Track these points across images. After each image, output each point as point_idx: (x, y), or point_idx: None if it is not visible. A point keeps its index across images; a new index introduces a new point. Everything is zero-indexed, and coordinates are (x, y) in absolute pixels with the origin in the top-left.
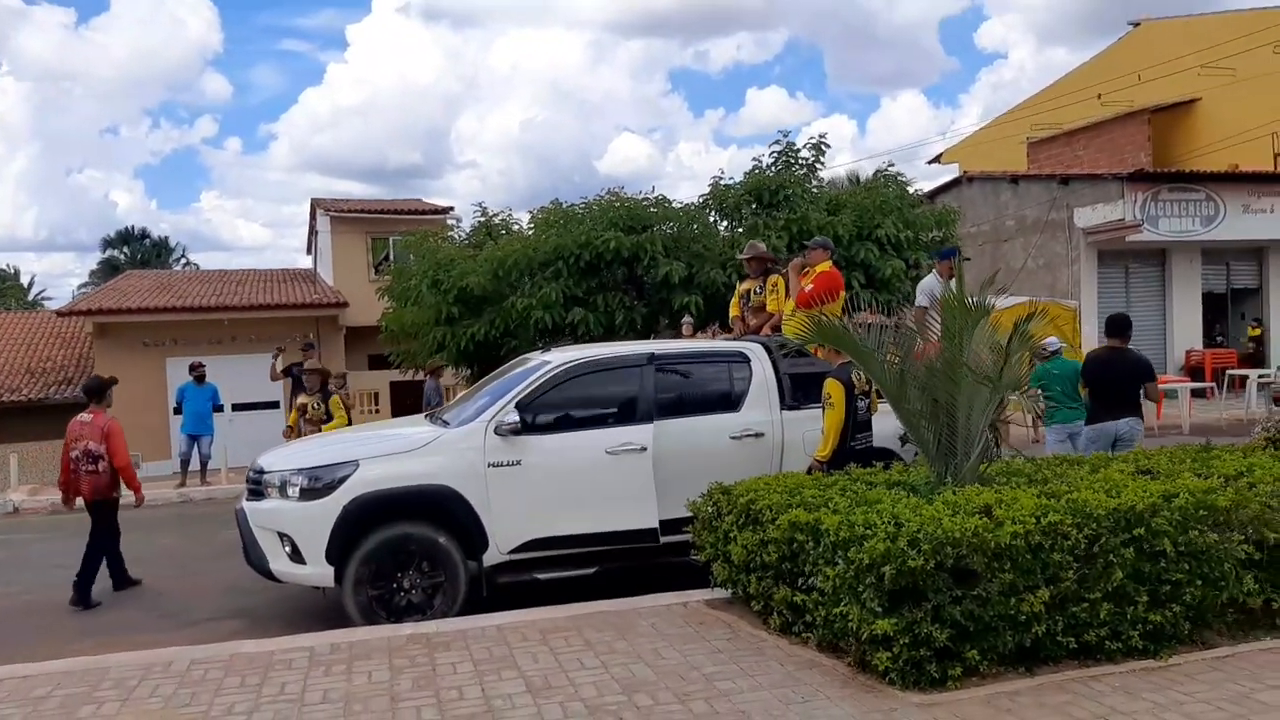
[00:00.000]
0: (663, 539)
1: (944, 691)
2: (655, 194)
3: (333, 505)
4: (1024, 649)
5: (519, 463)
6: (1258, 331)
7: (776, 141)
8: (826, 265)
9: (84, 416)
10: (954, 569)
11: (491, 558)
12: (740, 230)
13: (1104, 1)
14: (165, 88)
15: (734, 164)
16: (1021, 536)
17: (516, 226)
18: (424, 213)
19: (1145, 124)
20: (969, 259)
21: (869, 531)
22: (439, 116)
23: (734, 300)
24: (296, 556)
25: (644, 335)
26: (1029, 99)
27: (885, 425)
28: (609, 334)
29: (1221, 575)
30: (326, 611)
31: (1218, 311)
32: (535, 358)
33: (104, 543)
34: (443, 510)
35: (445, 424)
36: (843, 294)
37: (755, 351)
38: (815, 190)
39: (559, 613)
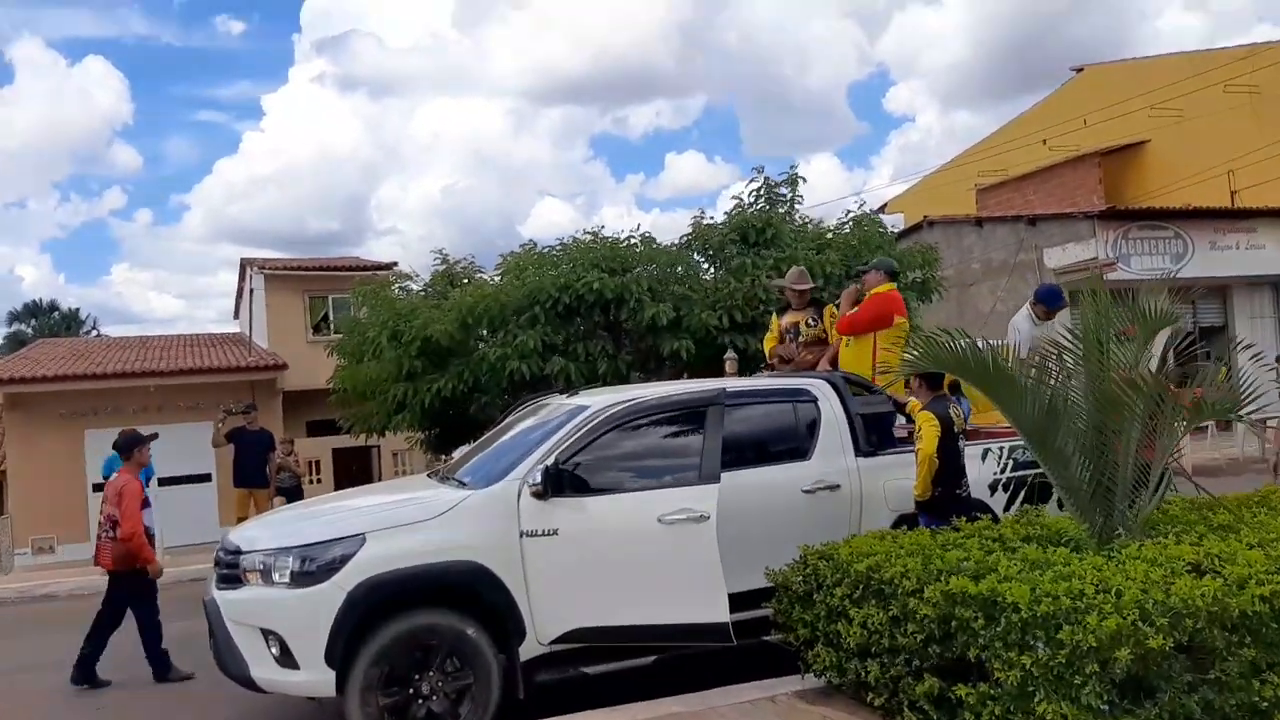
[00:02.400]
0: (733, 617)
1: None
2: (640, 232)
3: (334, 592)
4: None
5: (556, 532)
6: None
7: (754, 179)
8: (886, 287)
9: (114, 477)
10: (1189, 647)
11: (529, 650)
12: (724, 271)
13: (1002, 67)
14: (73, 160)
15: (657, 227)
16: (1267, 600)
17: (481, 275)
18: (365, 269)
19: (1096, 167)
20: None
21: (1078, 604)
22: (358, 184)
23: (770, 335)
24: (286, 659)
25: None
26: (973, 147)
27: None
28: (592, 384)
29: None
30: None
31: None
32: (563, 402)
33: (142, 616)
34: (472, 593)
35: (462, 484)
36: (902, 320)
37: (821, 389)
38: (800, 227)
39: (617, 718)
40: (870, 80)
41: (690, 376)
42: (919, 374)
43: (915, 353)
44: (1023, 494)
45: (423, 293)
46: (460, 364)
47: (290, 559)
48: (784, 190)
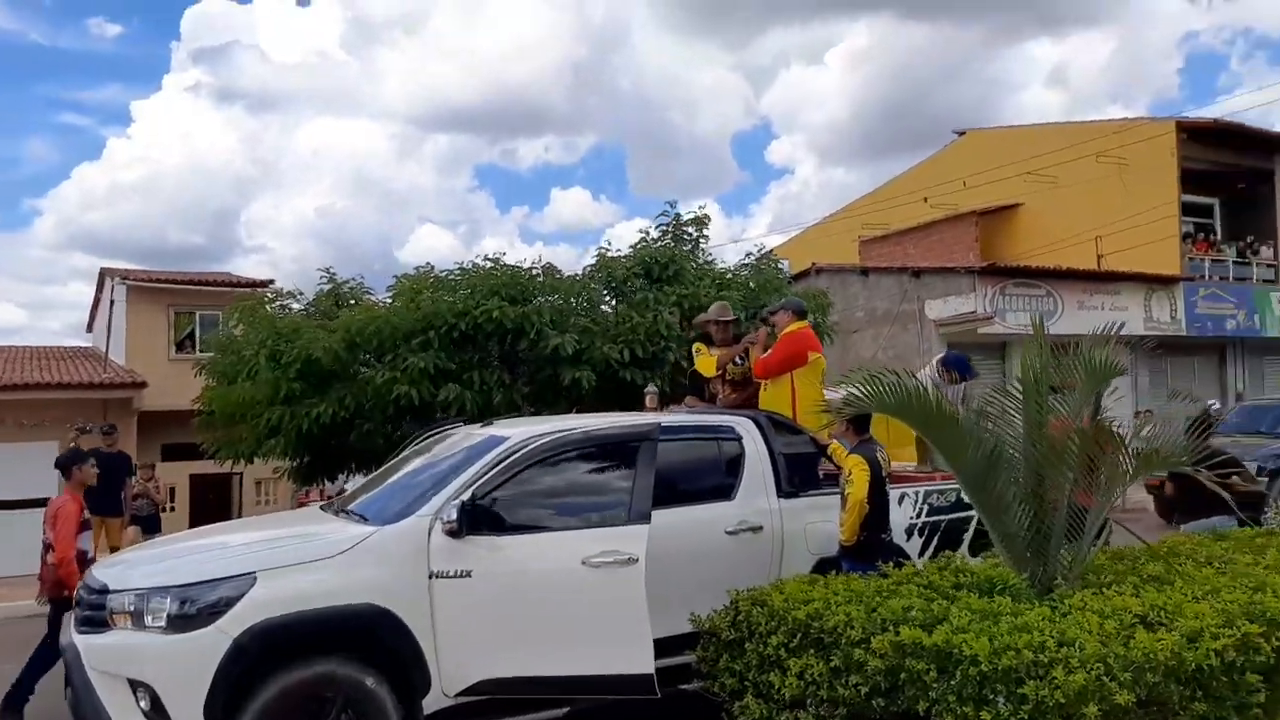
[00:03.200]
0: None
1: None
2: (542, 262)
3: (217, 638)
4: None
5: (469, 574)
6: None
7: (664, 213)
8: (795, 327)
9: (54, 498)
10: (1145, 701)
11: (434, 702)
12: (626, 305)
13: (876, 129)
14: None
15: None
16: (1218, 654)
17: (370, 296)
18: (239, 285)
19: (974, 225)
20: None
21: (1040, 657)
22: (229, 199)
23: (704, 359)
24: (157, 715)
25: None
26: (857, 201)
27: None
28: (486, 413)
29: None
30: None
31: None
32: (474, 432)
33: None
34: (373, 640)
35: (362, 519)
36: (817, 356)
37: (746, 427)
38: (704, 265)
39: None
40: (754, 132)
41: (588, 409)
42: (845, 418)
43: (858, 392)
44: (936, 539)
45: (305, 311)
46: (342, 388)
47: (167, 600)
48: (690, 230)
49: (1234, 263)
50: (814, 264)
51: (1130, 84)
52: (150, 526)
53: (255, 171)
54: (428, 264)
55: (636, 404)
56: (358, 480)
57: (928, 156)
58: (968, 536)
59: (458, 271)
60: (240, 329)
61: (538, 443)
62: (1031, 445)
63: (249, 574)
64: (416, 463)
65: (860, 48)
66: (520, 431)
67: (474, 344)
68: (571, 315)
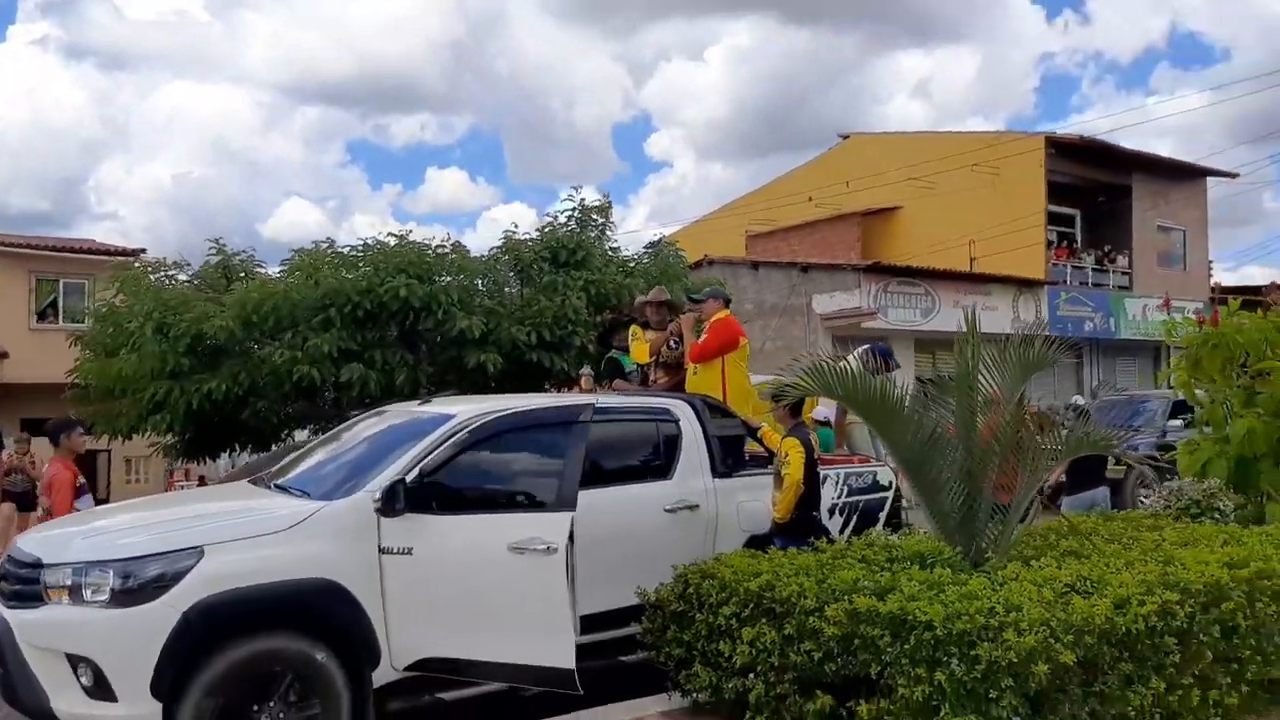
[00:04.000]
0: (586, 637)
1: None
2: (450, 240)
3: (165, 613)
4: None
5: (411, 551)
6: None
7: (569, 197)
8: (723, 314)
9: (46, 467)
10: (1081, 662)
11: (382, 675)
12: (533, 289)
13: (753, 128)
14: None
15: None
16: (1143, 619)
17: (261, 270)
18: (107, 253)
19: (856, 225)
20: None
21: (990, 622)
22: (76, 162)
23: (638, 343)
24: (100, 690)
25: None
26: (743, 197)
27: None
28: (388, 394)
29: (1274, 648)
30: None
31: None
32: (416, 409)
33: None
34: (323, 614)
35: (303, 494)
36: (744, 341)
37: (682, 409)
38: (610, 252)
39: None
40: (634, 124)
41: (494, 391)
42: (779, 401)
43: (806, 380)
44: (855, 518)
45: (190, 283)
46: (236, 364)
47: (109, 574)
48: (596, 216)
49: (1093, 270)
50: (706, 256)
51: (991, 99)
52: (25, 504)
53: (106, 134)
54: (328, 239)
55: (542, 387)
56: (243, 459)
57: (813, 157)
58: (883, 515)
59: (360, 247)
60: (120, 299)
61: (483, 420)
62: (965, 431)
63: (195, 548)
64: (351, 439)
65: (741, 47)
66: (467, 409)
67: (376, 323)
68: (478, 296)
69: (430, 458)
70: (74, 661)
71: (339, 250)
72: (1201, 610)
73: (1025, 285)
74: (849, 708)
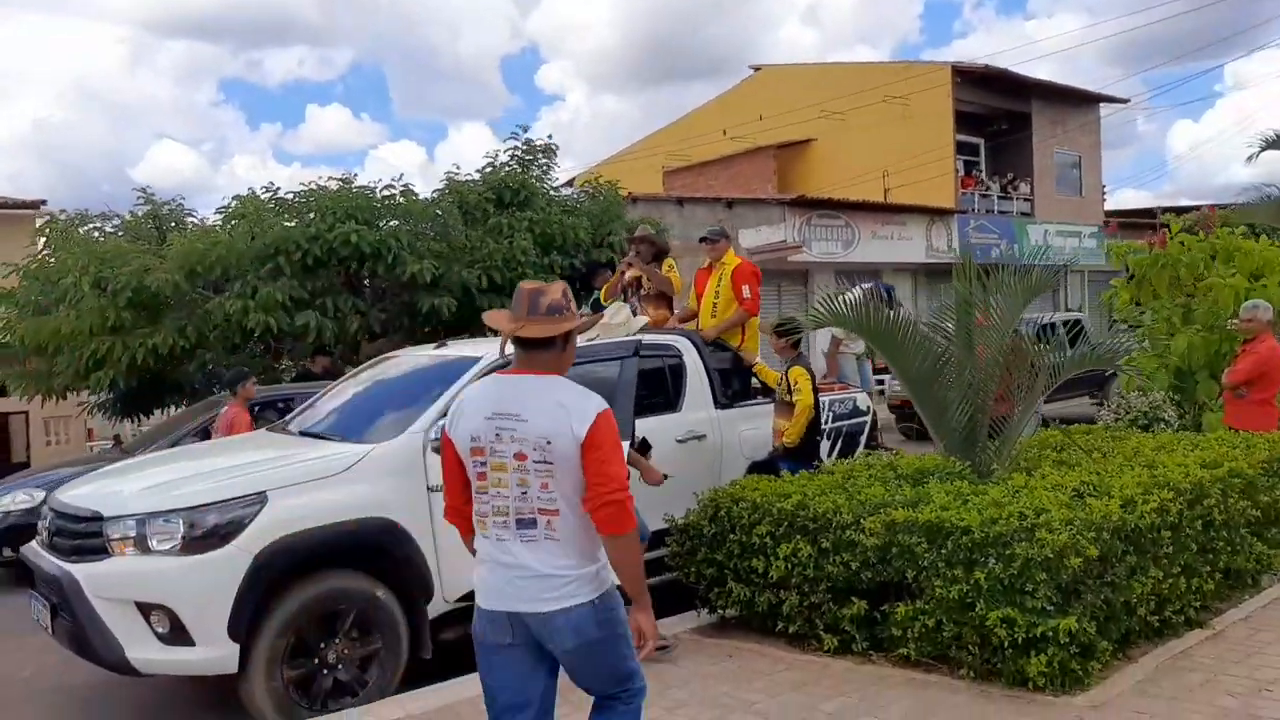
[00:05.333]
0: None
1: (1090, 689)
2: (401, 182)
3: (238, 556)
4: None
5: None
6: None
7: (513, 136)
8: (736, 259)
9: (224, 410)
10: (1100, 556)
11: (435, 608)
12: (481, 231)
13: (644, 58)
14: None
15: (294, 181)
16: (1148, 515)
17: (192, 219)
18: (3, 206)
19: (771, 159)
20: None
21: (1023, 524)
22: None
23: (607, 288)
24: (178, 636)
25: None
26: (657, 131)
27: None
28: (341, 342)
29: (1242, 540)
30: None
31: None
32: (433, 354)
33: None
34: (383, 553)
35: (341, 438)
36: None
37: (685, 345)
38: (553, 192)
39: None
40: (523, 55)
41: (447, 335)
42: (783, 335)
43: (821, 312)
44: (840, 442)
45: (117, 234)
46: (179, 317)
47: (178, 522)
48: (540, 157)
49: (998, 198)
50: (630, 193)
51: (877, 26)
52: None
53: None
54: (271, 183)
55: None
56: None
57: (724, 91)
58: (863, 439)
59: (303, 194)
60: (48, 253)
61: None
62: (966, 354)
63: (259, 493)
64: (374, 385)
65: None
66: (495, 351)
67: (325, 270)
68: (427, 240)
69: None
70: (146, 610)
71: (281, 197)
72: (1187, 507)
73: (937, 214)
74: (882, 611)
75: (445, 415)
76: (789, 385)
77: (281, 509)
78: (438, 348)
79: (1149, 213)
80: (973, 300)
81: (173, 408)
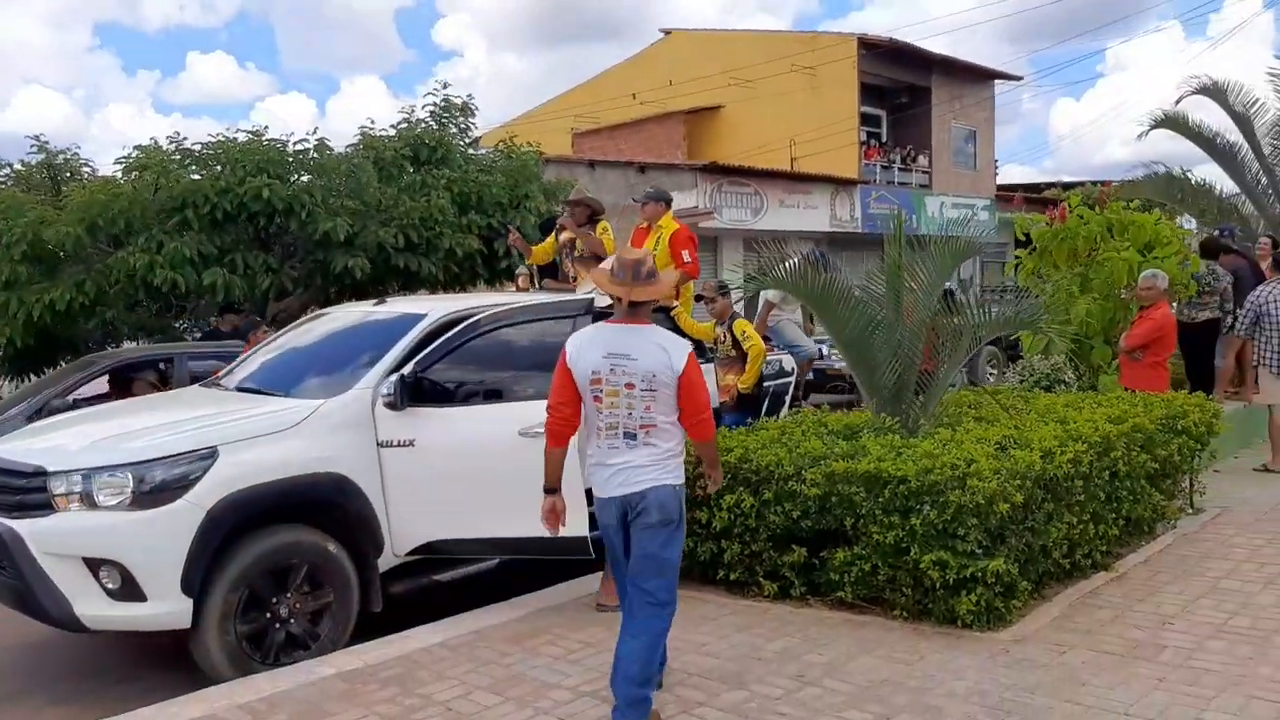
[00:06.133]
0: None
1: (1012, 625)
2: (316, 136)
3: (190, 511)
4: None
5: (412, 443)
6: None
7: (432, 93)
8: (674, 224)
9: None
10: (1024, 502)
11: (385, 562)
12: (395, 189)
13: (545, 15)
14: None
15: (169, 130)
16: (1065, 465)
17: (89, 169)
18: None
19: (681, 124)
20: None
21: (954, 473)
22: None
23: (539, 251)
24: (129, 591)
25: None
26: (565, 93)
27: None
28: (251, 299)
29: (1142, 490)
30: (126, 668)
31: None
32: (369, 310)
33: None
34: (334, 507)
35: (283, 394)
36: None
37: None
38: (471, 152)
39: (508, 614)
40: (419, 8)
41: (359, 296)
42: (725, 294)
43: (763, 276)
44: (767, 400)
45: (7, 184)
46: (78, 272)
47: (127, 476)
48: (457, 115)
49: (898, 169)
50: (541, 155)
51: None
52: None
53: None
54: (177, 133)
55: (409, 290)
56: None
57: (633, 54)
58: (788, 398)
59: (210, 145)
60: None
61: (473, 318)
62: (896, 317)
63: (210, 448)
64: (310, 342)
65: None
66: (439, 308)
67: (235, 225)
68: (342, 197)
69: (424, 355)
70: (94, 566)
71: (188, 149)
72: (1096, 458)
73: (841, 184)
74: (821, 557)
75: (395, 371)
76: (735, 338)
77: (233, 463)
78: (377, 304)
79: (1036, 188)
80: (902, 265)
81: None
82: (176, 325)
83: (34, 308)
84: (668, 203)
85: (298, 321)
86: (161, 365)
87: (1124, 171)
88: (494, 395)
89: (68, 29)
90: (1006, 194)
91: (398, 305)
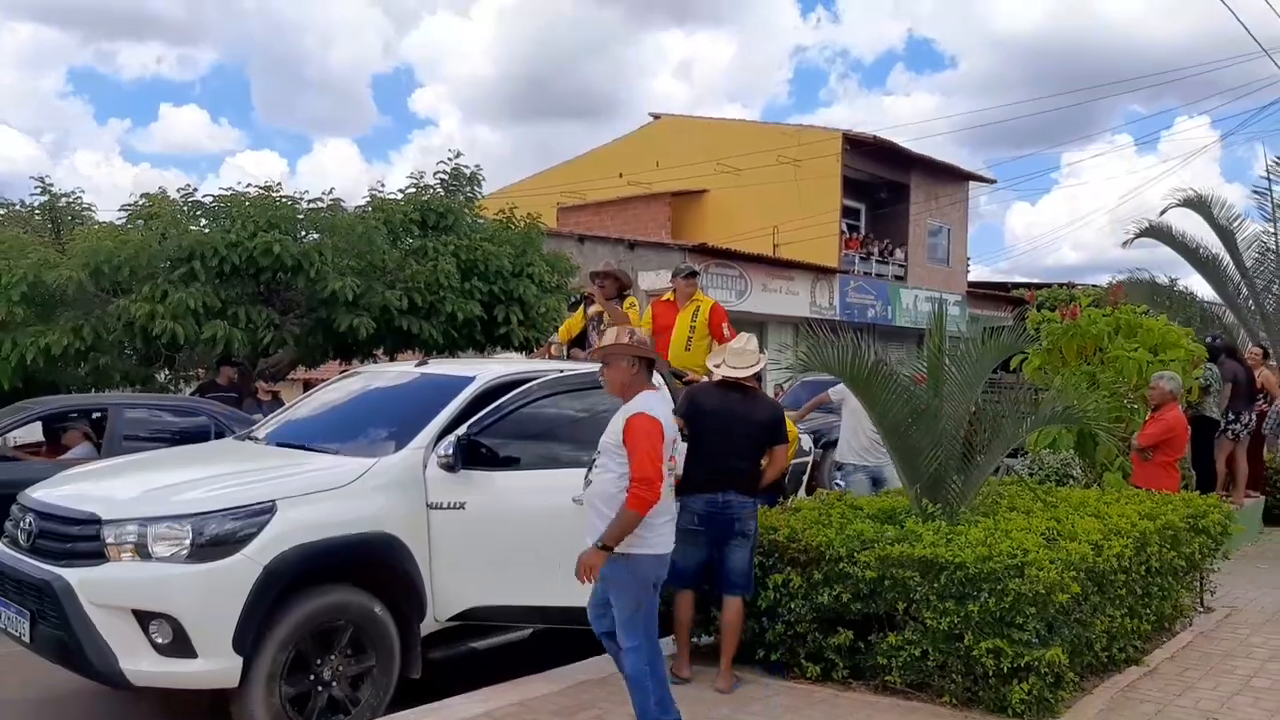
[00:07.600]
0: None
1: (1060, 716)
2: (331, 195)
3: (247, 566)
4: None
5: (463, 505)
6: None
7: (443, 161)
8: (709, 299)
9: None
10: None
11: (428, 626)
12: (401, 252)
13: (518, 93)
14: None
15: (144, 182)
16: (1113, 558)
17: (90, 214)
18: None
19: (667, 205)
20: None
21: (1011, 563)
22: None
23: (568, 325)
24: (178, 647)
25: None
26: (553, 168)
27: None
28: (253, 354)
29: (1170, 586)
30: None
31: None
32: (410, 370)
33: None
34: (382, 568)
35: (334, 451)
36: None
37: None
38: (478, 220)
39: (551, 685)
40: (395, 75)
41: (351, 355)
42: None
43: (804, 356)
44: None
45: (4, 223)
46: (75, 316)
47: (185, 528)
48: (465, 185)
49: (876, 261)
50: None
51: (747, 86)
52: None
53: None
54: (189, 185)
55: (411, 352)
56: None
57: (623, 135)
58: (804, 478)
59: (221, 198)
60: None
61: (534, 382)
62: (938, 405)
63: (269, 502)
64: (350, 400)
65: (508, 6)
66: (487, 371)
67: (241, 279)
68: (349, 256)
69: (478, 418)
70: (144, 619)
71: (198, 200)
72: (1134, 553)
73: (822, 272)
74: (868, 640)
75: (446, 432)
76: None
77: (291, 519)
78: (419, 365)
79: (1003, 286)
80: (944, 357)
81: None
82: (159, 376)
83: (28, 350)
84: (698, 276)
85: (330, 379)
86: (94, 415)
87: (1074, 274)
88: (548, 461)
89: (39, 72)
90: (974, 290)
91: (441, 366)
